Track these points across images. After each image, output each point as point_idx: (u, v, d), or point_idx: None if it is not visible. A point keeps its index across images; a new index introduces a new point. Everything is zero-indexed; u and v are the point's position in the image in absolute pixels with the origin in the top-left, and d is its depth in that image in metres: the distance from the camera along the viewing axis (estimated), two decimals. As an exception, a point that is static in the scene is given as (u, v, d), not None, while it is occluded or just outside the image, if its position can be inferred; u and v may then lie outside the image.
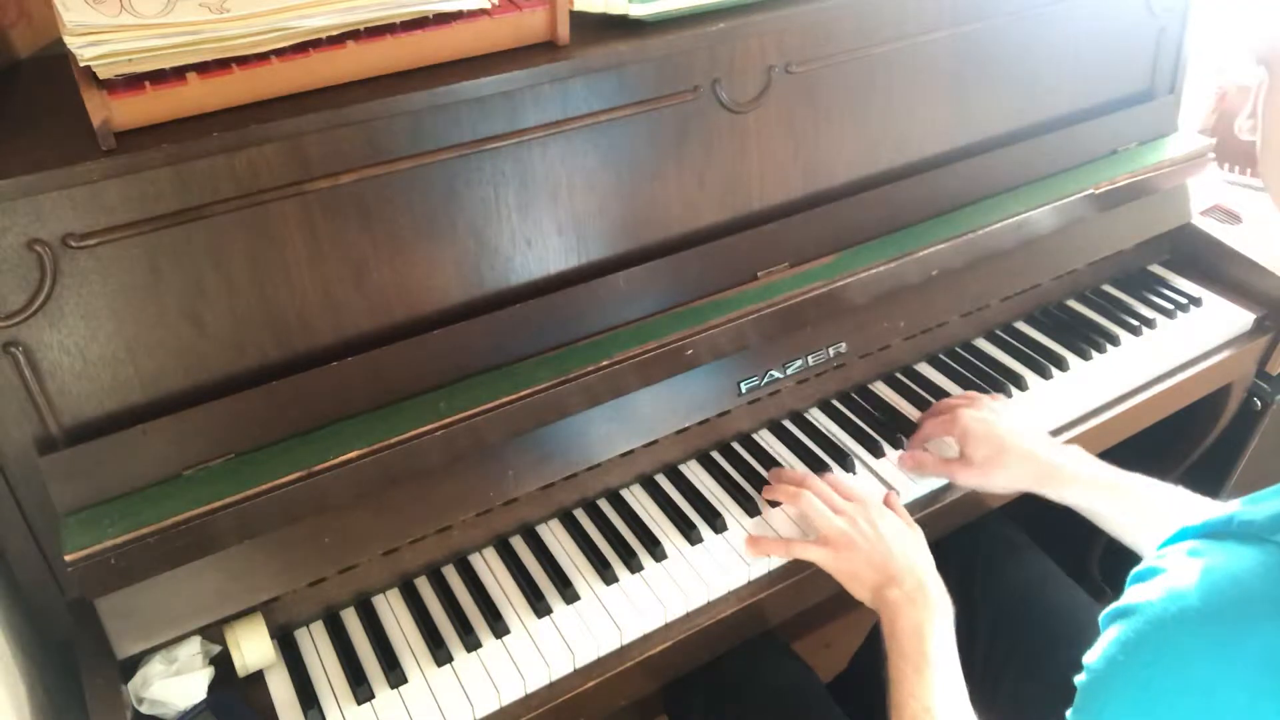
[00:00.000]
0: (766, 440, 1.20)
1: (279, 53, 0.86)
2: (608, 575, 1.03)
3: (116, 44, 0.79)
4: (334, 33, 0.88)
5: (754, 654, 1.12)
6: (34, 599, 0.95)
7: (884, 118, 1.21)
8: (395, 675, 0.94)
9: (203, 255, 0.87)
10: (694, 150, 1.08)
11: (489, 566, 1.05)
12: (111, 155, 0.80)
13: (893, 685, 0.88)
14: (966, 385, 1.27)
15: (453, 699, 0.92)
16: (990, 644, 1.12)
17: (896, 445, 1.18)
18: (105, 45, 0.78)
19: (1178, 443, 1.47)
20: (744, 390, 1.14)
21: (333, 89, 0.89)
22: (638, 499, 1.13)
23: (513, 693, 0.94)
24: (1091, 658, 0.58)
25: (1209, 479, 1.48)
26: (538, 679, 0.95)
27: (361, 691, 0.92)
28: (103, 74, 0.81)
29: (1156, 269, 1.48)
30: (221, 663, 0.93)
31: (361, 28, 0.89)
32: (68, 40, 0.78)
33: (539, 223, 1.03)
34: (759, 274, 1.13)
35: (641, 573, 1.03)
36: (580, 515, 1.11)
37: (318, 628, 1.00)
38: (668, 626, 1.01)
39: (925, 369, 1.32)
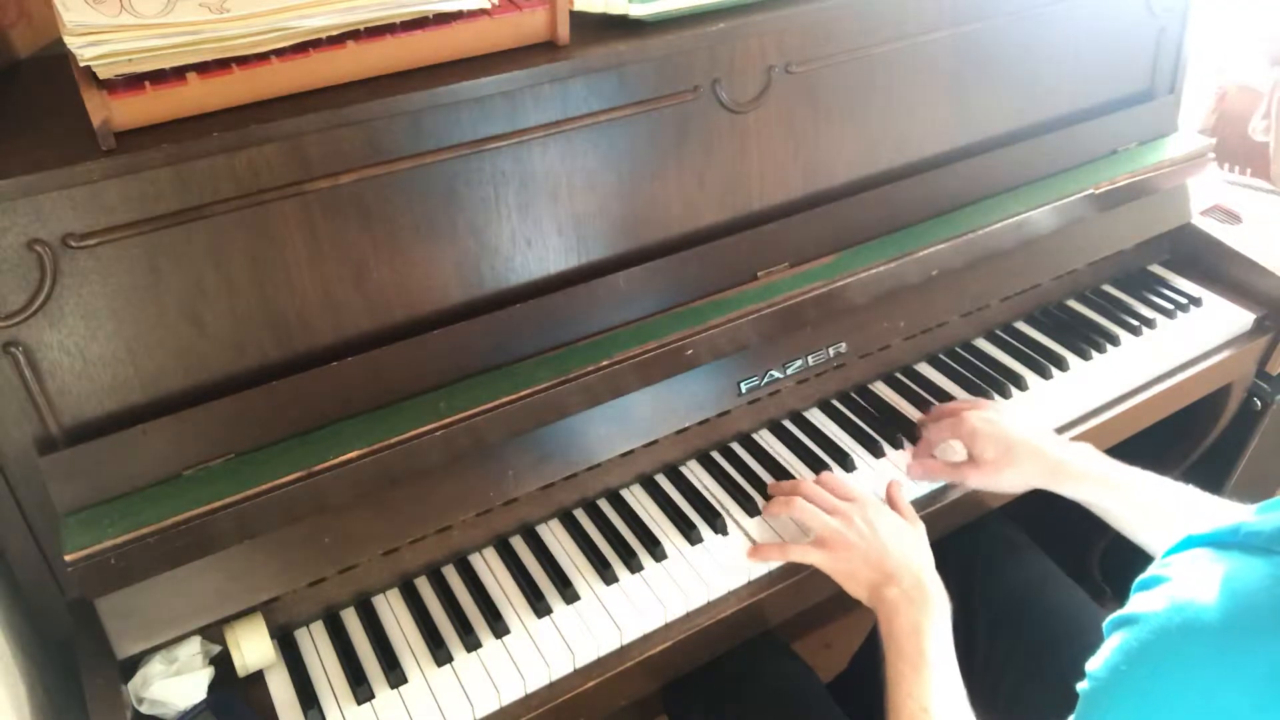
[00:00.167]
0: (766, 440, 1.20)
1: (279, 53, 0.86)
2: (608, 575, 1.03)
3: (116, 44, 0.79)
4: (334, 33, 0.88)
5: (754, 654, 1.12)
6: (34, 599, 0.95)
7: (884, 118, 1.21)
8: (395, 675, 0.94)
9: (203, 255, 0.87)
10: (694, 150, 1.08)
11: (489, 566, 1.05)
12: (111, 155, 0.80)
13: (890, 685, 0.88)
14: (966, 385, 1.27)
15: (453, 699, 0.92)
16: (990, 644, 1.12)
17: (896, 445, 1.18)
18: (105, 45, 0.78)
19: (1178, 443, 1.47)
20: (744, 390, 1.14)
21: (333, 89, 0.89)
22: (638, 499, 1.13)
23: (513, 693, 0.94)
24: (1094, 665, 0.58)
25: (1209, 479, 1.48)
26: (538, 679, 0.95)
27: (361, 691, 0.92)
28: (103, 74, 0.81)
29: (1156, 269, 1.48)
30: (221, 663, 0.93)
31: (361, 28, 0.89)
32: (68, 40, 0.78)
33: (539, 223, 1.03)
34: (759, 274, 1.13)
35: (641, 573, 1.03)
36: (580, 515, 1.11)
37: (318, 628, 1.00)
38: (668, 626, 1.01)
39: (925, 369, 1.32)
